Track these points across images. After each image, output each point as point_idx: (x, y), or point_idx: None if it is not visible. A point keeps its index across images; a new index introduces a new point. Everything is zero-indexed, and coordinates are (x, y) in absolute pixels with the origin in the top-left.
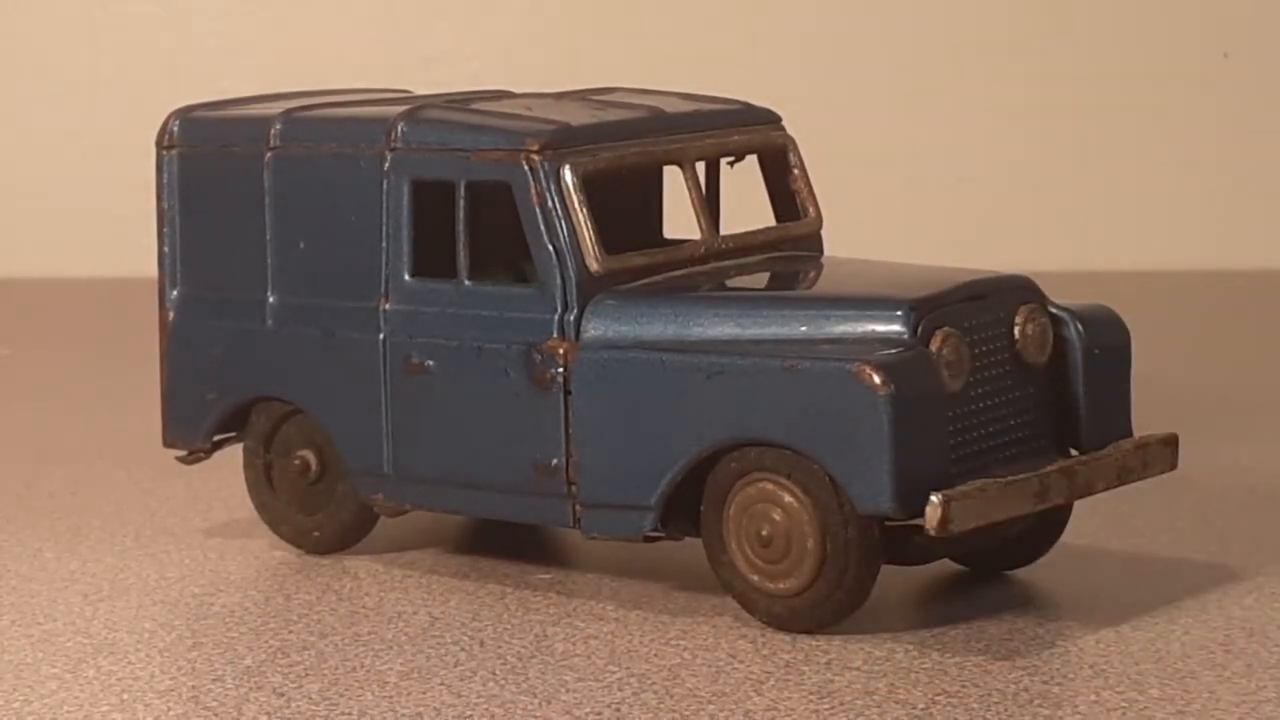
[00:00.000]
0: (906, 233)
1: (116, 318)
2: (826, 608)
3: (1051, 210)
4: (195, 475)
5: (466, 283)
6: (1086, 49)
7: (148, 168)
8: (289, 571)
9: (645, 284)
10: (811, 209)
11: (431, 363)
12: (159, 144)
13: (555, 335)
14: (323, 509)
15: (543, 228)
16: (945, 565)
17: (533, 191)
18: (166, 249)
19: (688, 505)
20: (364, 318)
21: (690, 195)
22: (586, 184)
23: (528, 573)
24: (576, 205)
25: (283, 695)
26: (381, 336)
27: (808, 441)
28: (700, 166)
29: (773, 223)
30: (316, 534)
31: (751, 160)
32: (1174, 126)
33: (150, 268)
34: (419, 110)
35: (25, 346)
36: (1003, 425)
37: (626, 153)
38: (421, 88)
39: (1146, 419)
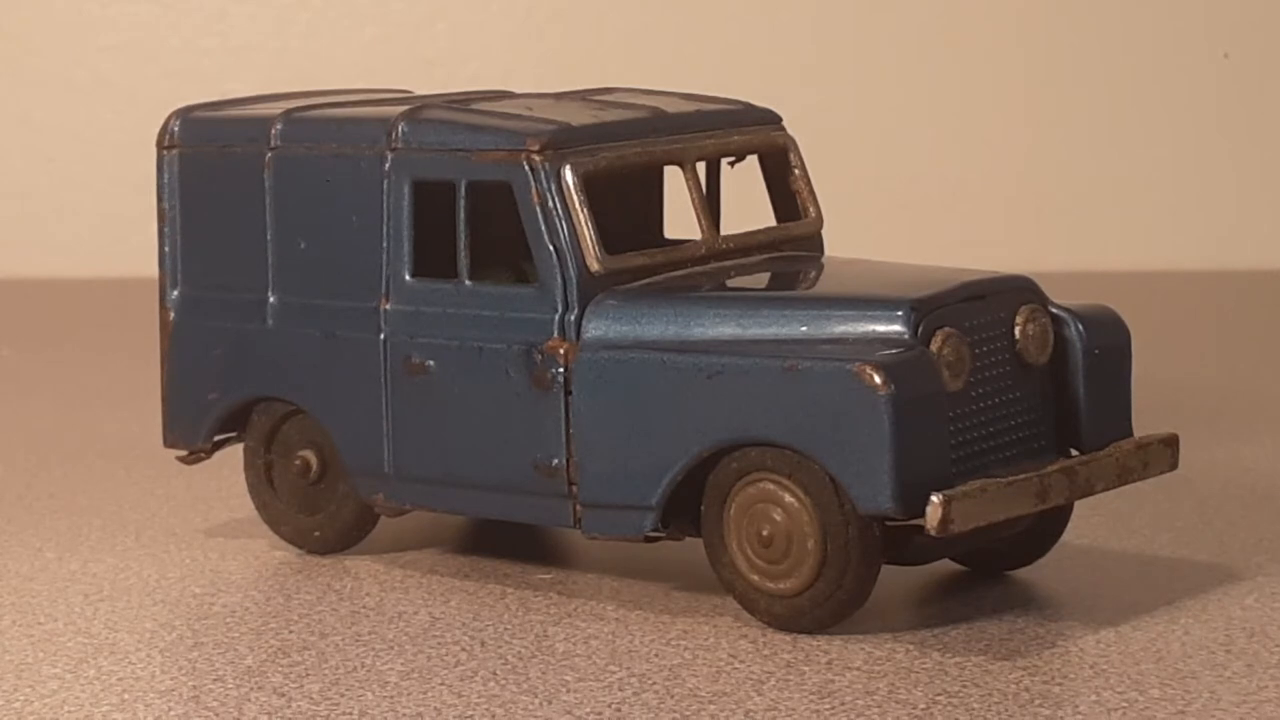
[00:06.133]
0: (907, 233)
1: (116, 318)
2: (827, 608)
3: (1051, 210)
4: (195, 475)
5: (467, 283)
6: (1087, 49)
7: (148, 168)
8: (289, 571)
9: (646, 284)
10: (812, 209)
11: (432, 363)
12: (159, 144)
13: (556, 335)
14: (323, 509)
15: (543, 228)
16: (945, 565)
17: (533, 191)
18: (166, 249)
19: (688, 505)
20: (364, 318)
21: (691, 195)
22: (587, 184)
23: (528, 573)
24: (577, 205)
25: (283, 695)
26: (382, 336)
27: (808, 441)
28: (701, 167)
29: (773, 223)
30: (317, 534)
31: (752, 160)
32: (1174, 126)
33: (150, 268)
34: (419, 110)
35: (25, 346)
36: (1003, 425)
37: (627, 153)
38: (422, 88)
39: (1146, 419)
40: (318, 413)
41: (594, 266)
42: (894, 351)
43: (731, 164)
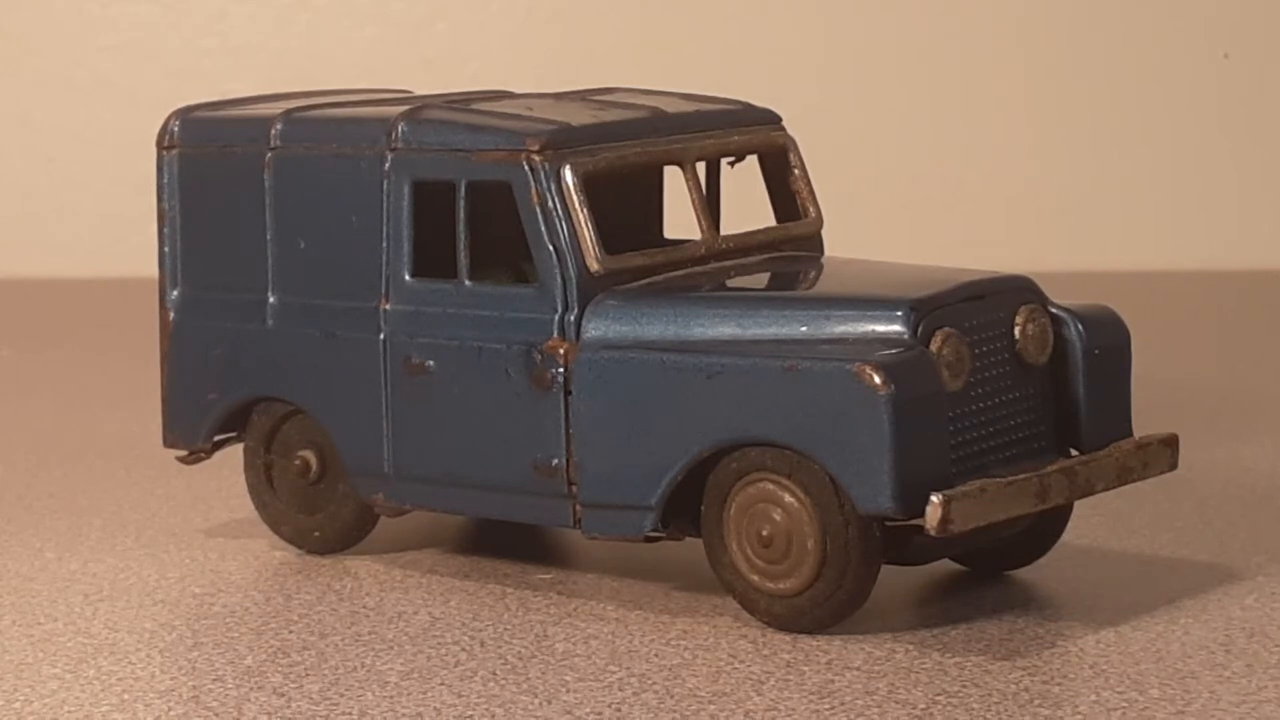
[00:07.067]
0: (907, 233)
1: (116, 318)
2: (827, 608)
3: (1052, 210)
4: (195, 475)
5: (467, 283)
6: (1087, 49)
7: (148, 168)
8: (289, 571)
9: (645, 284)
10: (812, 209)
11: (432, 363)
12: (159, 144)
13: (555, 335)
14: (323, 509)
15: (543, 228)
16: (945, 565)
17: (533, 191)
18: (166, 249)
19: (688, 505)
20: (364, 318)
21: (690, 195)
22: (587, 184)
23: (528, 573)
24: (577, 205)
25: (283, 695)
26: (382, 336)
27: (808, 442)
28: (701, 167)
29: (773, 223)
30: (317, 534)
31: (752, 160)
32: (1174, 127)
33: (150, 268)
34: (419, 110)
35: (25, 346)
36: (1003, 425)
37: (627, 153)
38: (422, 88)
39: (1146, 419)
40: (318, 413)
41: (594, 266)
42: (894, 351)
43: (731, 164)
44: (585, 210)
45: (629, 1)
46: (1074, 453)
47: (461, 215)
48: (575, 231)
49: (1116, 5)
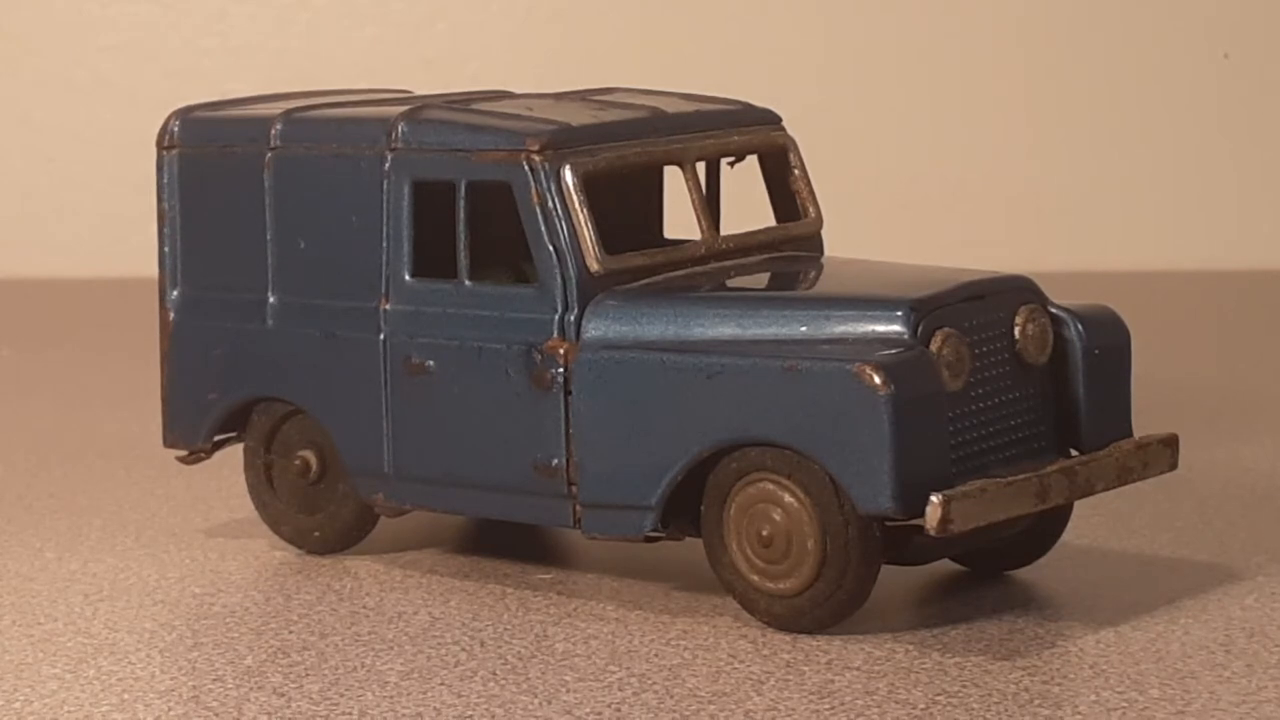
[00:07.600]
0: (907, 233)
1: (116, 318)
2: (827, 608)
3: (1051, 210)
4: (195, 475)
5: (467, 283)
6: (1087, 49)
7: (148, 168)
8: (289, 571)
9: (645, 284)
10: (812, 209)
11: (432, 363)
12: (159, 144)
13: (555, 335)
14: (323, 509)
15: (543, 228)
16: (945, 565)
17: (533, 191)
18: (166, 249)
19: (688, 505)
20: (364, 318)
21: (690, 195)
22: (587, 184)
23: (528, 573)
24: (577, 205)
25: (283, 695)
26: (382, 336)
27: (808, 442)
28: (700, 167)
29: (773, 223)
30: (317, 534)
31: (752, 160)
32: (1174, 127)
33: (150, 268)
34: (419, 111)
35: (25, 346)
36: (1003, 425)
37: (627, 153)
38: (422, 88)
39: (1146, 419)
40: (318, 413)
41: (594, 266)
42: (894, 351)
43: (731, 164)
44: (585, 210)
45: (629, 1)
46: (1074, 453)
47: (461, 215)
48: (575, 231)
49: (1116, 5)
